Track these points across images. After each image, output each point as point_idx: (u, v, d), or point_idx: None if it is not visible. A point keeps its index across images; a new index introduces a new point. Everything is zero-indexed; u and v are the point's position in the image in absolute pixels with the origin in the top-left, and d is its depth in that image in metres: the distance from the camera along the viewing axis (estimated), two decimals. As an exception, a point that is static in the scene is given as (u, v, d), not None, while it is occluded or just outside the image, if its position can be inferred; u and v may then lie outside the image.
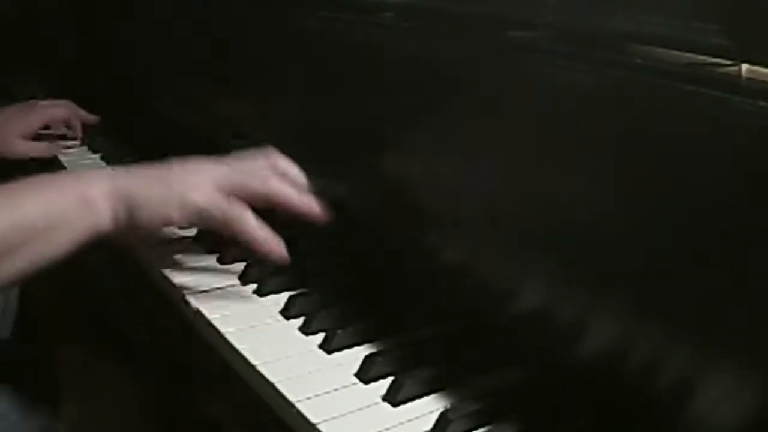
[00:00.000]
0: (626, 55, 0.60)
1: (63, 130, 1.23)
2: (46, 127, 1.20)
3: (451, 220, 0.70)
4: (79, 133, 1.22)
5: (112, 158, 1.16)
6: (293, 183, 0.73)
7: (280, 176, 0.73)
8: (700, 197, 0.51)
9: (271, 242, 0.69)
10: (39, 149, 1.16)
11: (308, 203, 0.72)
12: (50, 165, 1.14)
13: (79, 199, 0.68)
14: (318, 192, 0.74)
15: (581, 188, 0.59)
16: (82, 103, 1.26)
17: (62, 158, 1.15)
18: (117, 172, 0.74)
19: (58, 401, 0.80)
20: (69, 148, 1.20)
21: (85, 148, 1.21)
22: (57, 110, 1.21)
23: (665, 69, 0.56)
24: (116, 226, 0.69)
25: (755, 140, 0.48)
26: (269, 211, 0.72)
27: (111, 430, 0.83)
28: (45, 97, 1.27)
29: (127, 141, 1.19)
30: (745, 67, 0.53)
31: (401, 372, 0.61)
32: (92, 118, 1.23)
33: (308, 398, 0.59)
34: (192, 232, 0.87)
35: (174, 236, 0.86)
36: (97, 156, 1.18)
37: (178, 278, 0.77)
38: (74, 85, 1.45)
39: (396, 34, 0.78)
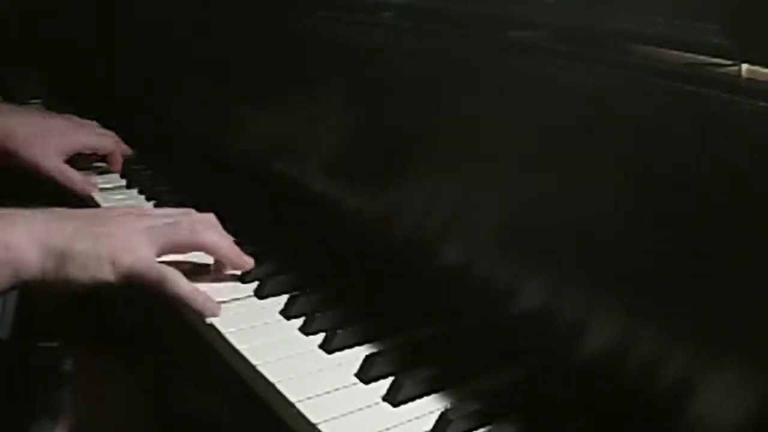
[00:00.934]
0: (626, 55, 0.60)
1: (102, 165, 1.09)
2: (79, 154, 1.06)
3: (451, 220, 0.70)
4: (119, 168, 1.09)
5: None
6: (220, 233, 0.75)
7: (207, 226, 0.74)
8: (700, 197, 0.51)
9: (199, 297, 0.70)
10: (73, 180, 1.00)
11: (237, 253, 0.75)
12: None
13: (0, 245, 0.66)
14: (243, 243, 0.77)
15: (581, 188, 0.59)
16: (82, 104, 1.25)
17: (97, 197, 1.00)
18: (43, 216, 0.70)
19: (58, 401, 0.80)
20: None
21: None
22: (104, 140, 1.07)
23: (665, 69, 0.56)
24: (44, 278, 0.67)
25: (755, 140, 0.48)
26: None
27: (111, 430, 0.83)
28: (78, 114, 1.12)
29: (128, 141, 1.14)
30: (745, 67, 0.53)
31: (401, 372, 0.61)
32: (127, 151, 1.11)
33: (308, 398, 0.59)
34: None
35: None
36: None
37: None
38: (74, 85, 1.45)
39: (396, 34, 0.78)
